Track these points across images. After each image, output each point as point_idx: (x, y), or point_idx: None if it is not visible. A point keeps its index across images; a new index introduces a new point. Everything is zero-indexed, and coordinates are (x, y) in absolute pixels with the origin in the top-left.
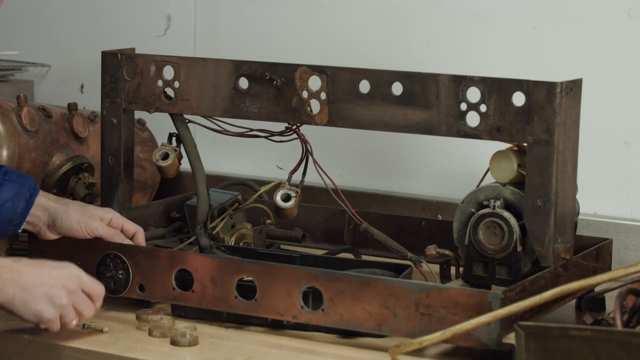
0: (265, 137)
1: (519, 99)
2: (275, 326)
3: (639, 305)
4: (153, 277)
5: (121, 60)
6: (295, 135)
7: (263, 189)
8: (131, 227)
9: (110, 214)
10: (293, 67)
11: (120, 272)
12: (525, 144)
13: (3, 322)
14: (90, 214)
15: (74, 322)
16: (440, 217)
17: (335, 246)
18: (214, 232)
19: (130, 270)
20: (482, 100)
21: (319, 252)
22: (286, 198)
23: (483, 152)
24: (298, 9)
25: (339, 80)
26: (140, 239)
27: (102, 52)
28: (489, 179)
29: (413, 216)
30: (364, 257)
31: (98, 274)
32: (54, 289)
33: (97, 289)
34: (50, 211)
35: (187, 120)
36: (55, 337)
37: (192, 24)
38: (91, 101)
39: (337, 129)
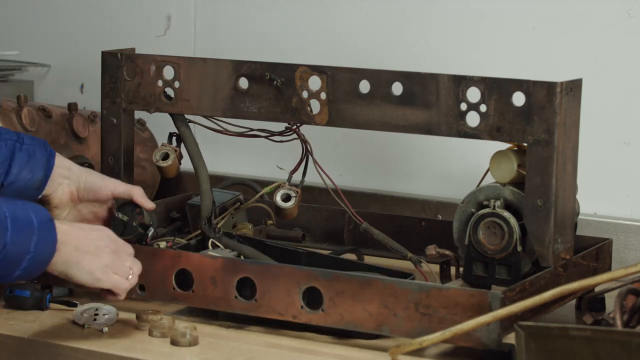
0: (265, 137)
1: (519, 99)
2: (272, 326)
3: (639, 305)
4: (153, 277)
5: (121, 60)
6: (295, 135)
7: (264, 190)
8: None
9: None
10: (293, 67)
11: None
12: (525, 144)
13: (3, 322)
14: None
15: (130, 277)
16: (440, 217)
17: (335, 246)
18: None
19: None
20: (482, 100)
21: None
22: (286, 198)
23: (483, 152)
24: (298, 9)
25: (339, 80)
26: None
27: (102, 52)
28: (489, 179)
29: (413, 216)
30: (365, 257)
31: None
32: (99, 249)
33: (130, 248)
34: (76, 169)
35: (187, 120)
36: (55, 338)
37: (192, 24)
38: (91, 101)
39: (337, 129)
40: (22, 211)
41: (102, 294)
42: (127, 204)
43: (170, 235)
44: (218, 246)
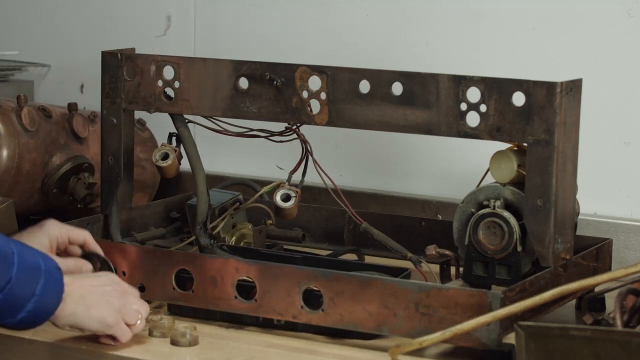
0: (265, 137)
1: (519, 99)
2: (268, 326)
3: (639, 305)
4: (153, 277)
5: (121, 60)
6: (295, 136)
7: (264, 189)
8: (77, 235)
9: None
10: (293, 67)
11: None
12: (525, 144)
13: None
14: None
15: (138, 322)
16: (440, 217)
17: (335, 246)
18: (214, 232)
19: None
20: (482, 100)
21: (319, 252)
22: (286, 198)
23: (483, 152)
24: (298, 9)
25: (339, 80)
26: (92, 245)
27: (102, 52)
28: (489, 179)
29: (413, 216)
30: (365, 257)
31: None
32: (107, 294)
33: (136, 291)
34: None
35: (187, 121)
36: (55, 338)
37: (192, 24)
38: (91, 101)
39: (337, 129)
40: (31, 254)
41: (101, 340)
42: (91, 254)
43: (170, 235)
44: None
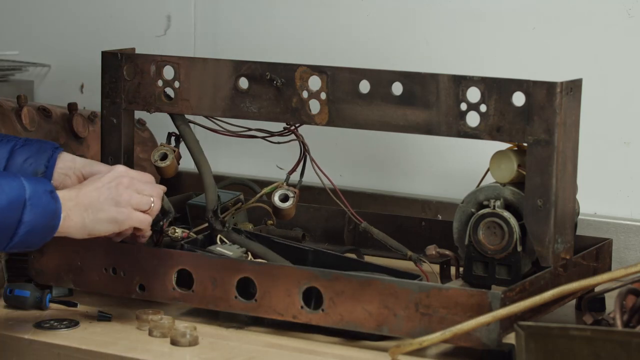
0: (263, 138)
1: (519, 99)
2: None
3: (639, 305)
4: (153, 277)
5: (121, 60)
6: (293, 136)
7: (265, 190)
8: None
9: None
10: (293, 67)
11: None
12: (525, 144)
13: (3, 322)
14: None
15: (152, 206)
16: (440, 217)
17: (335, 246)
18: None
19: None
20: (482, 100)
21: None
22: (284, 198)
23: (483, 152)
24: (298, 9)
25: (339, 80)
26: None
27: (102, 52)
28: (489, 179)
29: (413, 216)
30: (365, 257)
31: None
32: (112, 191)
33: (147, 176)
34: (85, 162)
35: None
36: (55, 338)
37: (192, 24)
38: (91, 101)
39: (337, 129)
40: (10, 185)
41: (129, 239)
42: None
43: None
44: (226, 242)
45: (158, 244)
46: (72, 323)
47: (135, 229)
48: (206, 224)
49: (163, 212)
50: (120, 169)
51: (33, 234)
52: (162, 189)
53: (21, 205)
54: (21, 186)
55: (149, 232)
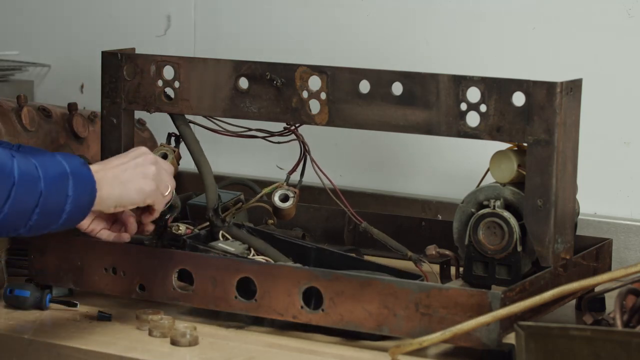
0: (263, 138)
1: (519, 99)
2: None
3: (639, 305)
4: (153, 277)
5: (121, 60)
6: (293, 136)
7: (265, 190)
8: None
9: None
10: (293, 67)
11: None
12: (525, 144)
13: (3, 322)
14: None
15: (167, 194)
16: (440, 217)
17: (335, 246)
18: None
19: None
20: (482, 100)
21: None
22: (284, 198)
23: (483, 152)
24: (298, 8)
25: (339, 80)
26: None
27: (102, 52)
28: (489, 179)
29: (413, 216)
30: (365, 257)
31: None
32: (139, 164)
33: (169, 165)
34: None
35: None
36: (55, 338)
37: (192, 24)
38: (91, 101)
39: (337, 129)
40: (52, 161)
41: (141, 219)
42: None
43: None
44: (228, 238)
45: (161, 238)
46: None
47: (145, 215)
48: (207, 223)
49: (170, 206)
50: (143, 148)
51: (77, 209)
52: (174, 183)
53: (66, 178)
54: (60, 162)
55: (157, 215)
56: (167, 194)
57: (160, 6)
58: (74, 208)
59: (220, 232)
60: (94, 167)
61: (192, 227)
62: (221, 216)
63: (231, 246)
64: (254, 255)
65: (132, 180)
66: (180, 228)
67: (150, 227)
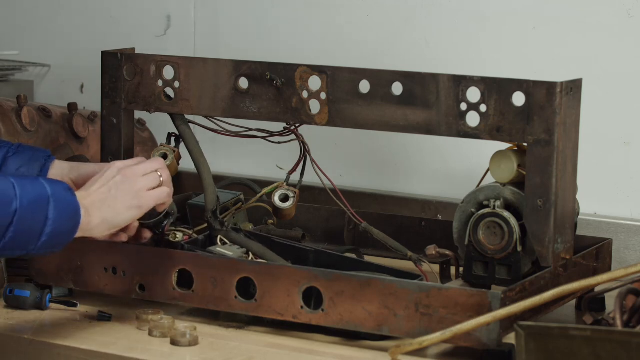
0: (263, 138)
1: (519, 99)
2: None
3: (639, 305)
4: (153, 277)
5: (121, 60)
6: (293, 136)
7: (265, 190)
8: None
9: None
10: (293, 67)
11: None
12: (525, 144)
13: (3, 322)
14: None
15: (161, 179)
16: (440, 217)
17: (335, 246)
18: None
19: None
20: (482, 100)
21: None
22: (284, 198)
23: (483, 152)
24: (298, 8)
25: (339, 80)
26: None
27: (102, 52)
28: (489, 179)
29: (413, 216)
30: (365, 257)
31: None
32: (120, 183)
33: (139, 158)
34: (71, 166)
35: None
36: (55, 338)
37: (192, 24)
38: (91, 101)
39: (337, 129)
40: (33, 183)
41: (132, 240)
42: None
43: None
44: (226, 242)
45: (159, 245)
46: None
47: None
48: (206, 224)
49: (166, 214)
50: (117, 164)
51: (58, 232)
52: (158, 162)
53: (45, 201)
54: (42, 185)
55: (170, 201)
56: (162, 181)
57: (160, 6)
58: (54, 231)
59: (219, 236)
60: (78, 195)
61: (189, 233)
62: (219, 218)
63: (229, 250)
64: (252, 259)
65: (119, 199)
66: (177, 236)
67: (148, 235)
